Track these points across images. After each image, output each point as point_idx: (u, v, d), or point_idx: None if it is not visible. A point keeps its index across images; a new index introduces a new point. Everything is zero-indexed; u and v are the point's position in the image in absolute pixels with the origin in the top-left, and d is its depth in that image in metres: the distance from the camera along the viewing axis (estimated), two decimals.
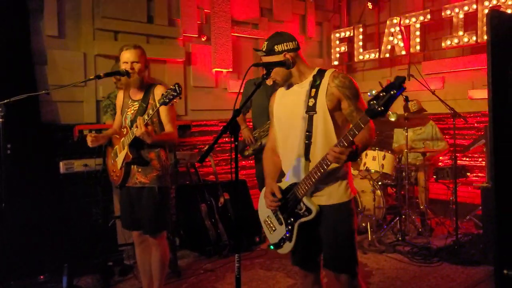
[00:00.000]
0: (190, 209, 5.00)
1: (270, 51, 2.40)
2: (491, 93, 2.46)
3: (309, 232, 2.42)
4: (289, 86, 2.51)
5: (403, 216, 5.10)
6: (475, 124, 6.16)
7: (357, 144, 2.18)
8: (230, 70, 6.48)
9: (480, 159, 6.13)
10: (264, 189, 2.57)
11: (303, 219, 2.36)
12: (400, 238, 4.91)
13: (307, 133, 2.35)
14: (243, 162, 6.66)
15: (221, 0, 6.37)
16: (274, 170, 2.61)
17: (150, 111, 3.01)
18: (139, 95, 3.27)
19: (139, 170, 3.23)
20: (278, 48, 2.39)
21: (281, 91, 2.60)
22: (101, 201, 4.32)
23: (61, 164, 4.23)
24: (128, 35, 5.50)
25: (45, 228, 4.26)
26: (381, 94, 1.87)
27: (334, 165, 2.26)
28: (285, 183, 2.47)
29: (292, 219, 2.42)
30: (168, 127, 3.25)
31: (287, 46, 2.40)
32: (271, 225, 2.54)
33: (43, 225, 4.25)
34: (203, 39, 6.30)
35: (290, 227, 2.42)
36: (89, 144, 3.30)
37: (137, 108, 3.23)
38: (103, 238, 4.31)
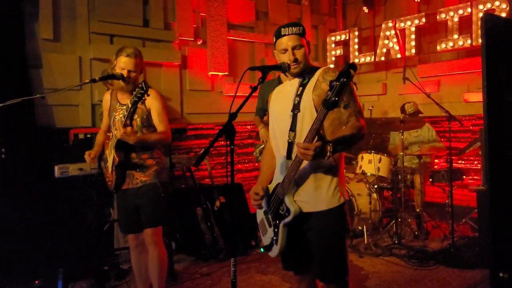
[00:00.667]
0: (186, 213, 4.99)
1: (304, 33, 2.36)
2: (486, 95, 2.47)
3: (298, 236, 2.37)
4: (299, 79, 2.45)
5: (399, 219, 5.11)
6: (471, 127, 6.19)
7: (331, 140, 2.12)
8: (226, 73, 6.48)
9: (475, 162, 6.15)
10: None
11: (284, 220, 2.31)
12: (396, 241, 4.91)
13: (290, 132, 2.32)
14: (239, 165, 6.66)
15: (217, 4, 6.38)
16: (267, 172, 2.58)
17: (125, 111, 2.98)
18: (128, 99, 3.21)
19: (137, 170, 3.24)
20: (305, 35, 2.38)
21: (278, 89, 2.58)
22: (96, 205, 4.31)
23: (56, 168, 4.22)
24: (124, 38, 5.49)
25: (40, 233, 4.23)
26: (333, 84, 1.88)
27: (310, 168, 2.24)
28: (272, 184, 2.45)
29: (277, 221, 2.37)
30: (160, 127, 3.23)
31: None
32: (264, 227, 2.51)
33: (38, 229, 4.21)
34: (199, 43, 6.29)
35: (276, 229, 2.38)
36: (89, 162, 3.36)
37: (125, 112, 3.18)
38: (99, 242, 4.29)
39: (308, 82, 2.33)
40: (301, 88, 2.33)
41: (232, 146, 2.05)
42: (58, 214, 4.45)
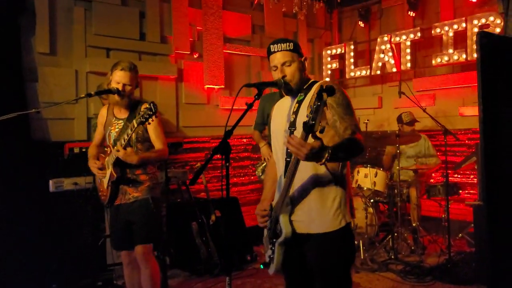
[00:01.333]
0: (181, 227, 4.95)
1: (296, 48, 2.32)
2: (482, 113, 2.47)
3: (300, 258, 2.31)
4: (292, 98, 2.40)
5: (396, 234, 5.08)
6: (466, 141, 6.19)
7: (331, 147, 1.97)
8: (222, 87, 6.49)
9: (471, 176, 6.15)
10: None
11: (278, 240, 2.26)
12: (392, 257, 4.88)
13: (287, 150, 2.22)
14: (235, 179, 6.64)
15: (213, 18, 6.40)
16: (271, 187, 2.52)
17: (129, 131, 2.98)
18: (124, 114, 3.26)
19: (130, 185, 3.23)
20: (300, 51, 2.34)
21: (279, 103, 2.53)
22: (91, 220, 4.27)
23: (50, 182, 4.18)
24: (120, 52, 5.50)
25: (33, 248, 4.19)
26: (312, 107, 1.83)
27: (318, 191, 2.16)
28: (274, 201, 2.40)
29: (274, 239, 2.31)
30: (157, 144, 3.24)
31: (303, 52, 2.37)
32: (267, 244, 2.44)
33: (31, 244, 4.18)
34: (195, 56, 6.31)
35: (273, 247, 2.32)
36: (98, 173, 3.32)
37: (121, 126, 3.21)
38: (93, 258, 4.24)
39: (304, 98, 2.28)
40: (297, 105, 2.28)
41: (227, 164, 2.04)
42: (52, 228, 4.41)
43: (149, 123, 2.94)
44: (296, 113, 2.26)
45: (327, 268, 2.25)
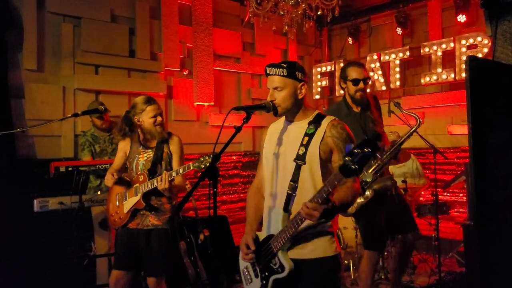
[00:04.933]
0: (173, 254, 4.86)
1: (291, 74, 2.26)
2: (471, 137, 2.46)
3: (290, 285, 2.25)
4: (287, 123, 2.38)
5: (386, 253, 5.04)
6: (455, 160, 6.21)
7: (335, 202, 2.04)
8: (212, 104, 6.46)
9: (461, 195, 6.15)
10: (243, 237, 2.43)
11: (276, 276, 2.20)
12: (382, 276, 4.84)
13: (291, 183, 2.20)
14: (224, 196, 6.58)
15: (204, 35, 6.40)
16: (255, 216, 2.47)
17: (181, 170, 3.15)
18: (153, 143, 3.41)
19: (152, 213, 3.33)
20: (299, 75, 2.28)
21: (274, 126, 2.49)
22: (76, 240, 4.18)
23: (35, 202, 4.08)
24: (110, 69, 5.47)
25: (17, 268, 4.09)
26: (355, 151, 1.75)
27: (309, 222, 2.11)
28: (262, 234, 2.33)
29: (266, 274, 2.25)
30: (178, 179, 3.34)
31: (303, 78, 2.31)
32: (248, 276, 2.38)
33: (15, 264, 4.08)
34: (185, 73, 6.29)
35: (264, 281, 2.26)
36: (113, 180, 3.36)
37: (151, 155, 3.36)
38: (80, 278, 4.15)
39: (314, 132, 2.24)
40: (307, 138, 2.24)
41: (215, 189, 2.00)
42: (37, 249, 4.32)
43: (167, 146, 3.38)
44: (306, 146, 2.22)
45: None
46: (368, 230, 3.70)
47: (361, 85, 3.65)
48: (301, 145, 2.23)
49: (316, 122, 2.28)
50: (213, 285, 4.62)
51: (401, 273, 4.20)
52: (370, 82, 3.92)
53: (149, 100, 3.38)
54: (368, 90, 3.97)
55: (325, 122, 2.27)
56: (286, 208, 2.20)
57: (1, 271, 3.94)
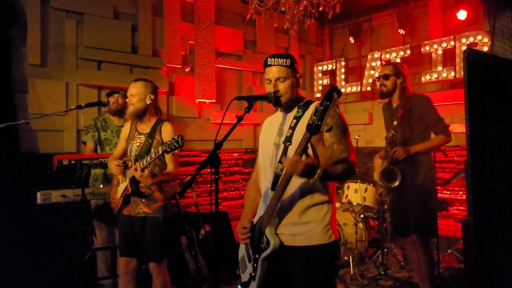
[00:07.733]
0: (170, 241, 4.89)
1: (292, 66, 2.34)
2: (469, 128, 2.50)
3: (282, 274, 2.27)
4: (283, 113, 2.44)
5: (385, 250, 5.08)
6: (455, 158, 6.23)
7: (324, 166, 2.04)
8: (213, 101, 6.51)
9: (460, 192, 6.18)
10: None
11: (264, 254, 2.23)
12: (382, 272, 4.87)
13: (279, 164, 2.26)
14: (225, 193, 6.61)
15: (206, 32, 6.44)
16: (251, 208, 2.52)
17: (153, 155, 3.11)
18: (146, 129, 3.40)
19: (143, 200, 3.33)
20: (297, 67, 2.37)
21: (268, 119, 2.56)
22: (79, 232, 4.21)
23: (38, 194, 4.11)
24: (112, 64, 5.51)
25: (19, 261, 4.12)
26: (317, 108, 1.90)
27: (307, 205, 2.19)
28: (256, 218, 2.39)
29: (256, 255, 2.28)
30: (170, 166, 3.36)
31: (298, 70, 2.40)
32: (244, 263, 2.42)
33: (17, 257, 4.11)
34: (186, 70, 6.33)
35: (255, 264, 2.28)
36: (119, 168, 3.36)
37: (143, 141, 3.35)
38: (81, 271, 4.18)
39: (302, 115, 2.30)
40: (294, 121, 2.30)
41: (217, 176, 2.03)
42: (40, 241, 4.35)
43: (160, 134, 3.32)
44: (293, 128, 2.28)
45: (311, 281, 2.23)
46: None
47: (381, 80, 4.30)
48: (289, 127, 2.30)
49: (305, 106, 2.35)
50: (214, 280, 4.65)
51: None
52: (393, 78, 4.32)
53: (130, 83, 3.44)
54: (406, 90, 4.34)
55: (313, 105, 2.33)
56: (274, 187, 2.23)
57: (3, 262, 3.97)
